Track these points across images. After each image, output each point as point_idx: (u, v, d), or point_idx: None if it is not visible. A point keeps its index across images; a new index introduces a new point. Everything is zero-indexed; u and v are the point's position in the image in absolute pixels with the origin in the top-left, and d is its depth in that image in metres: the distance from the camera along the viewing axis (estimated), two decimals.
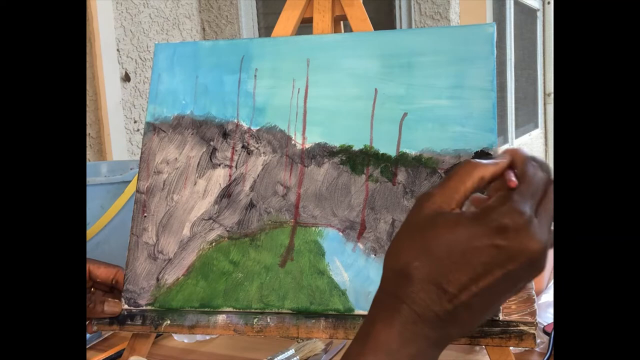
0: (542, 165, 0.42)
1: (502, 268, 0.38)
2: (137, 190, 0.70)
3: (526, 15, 4.27)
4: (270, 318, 0.62)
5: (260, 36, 2.82)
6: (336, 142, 0.66)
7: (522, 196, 0.39)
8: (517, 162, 0.42)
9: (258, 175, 0.68)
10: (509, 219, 0.38)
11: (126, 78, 2.28)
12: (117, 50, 2.24)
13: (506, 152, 0.43)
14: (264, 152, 0.68)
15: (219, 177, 0.69)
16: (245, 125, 0.70)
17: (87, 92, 2.11)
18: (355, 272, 0.62)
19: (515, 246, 0.38)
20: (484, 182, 0.41)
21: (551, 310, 0.80)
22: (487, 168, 0.41)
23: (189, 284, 0.65)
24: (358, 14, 0.73)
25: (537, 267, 0.39)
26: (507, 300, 0.42)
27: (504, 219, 0.38)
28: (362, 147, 0.65)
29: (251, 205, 0.67)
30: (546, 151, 4.73)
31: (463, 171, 0.41)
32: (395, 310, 0.39)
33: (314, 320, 0.61)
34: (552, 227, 0.41)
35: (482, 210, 0.39)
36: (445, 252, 0.39)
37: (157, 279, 0.66)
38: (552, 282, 0.93)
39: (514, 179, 0.40)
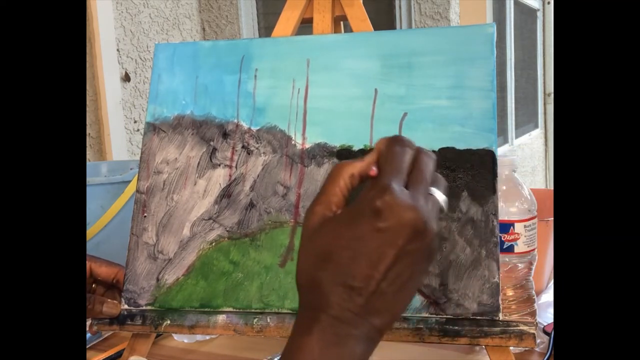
0: (401, 141, 0.43)
1: (392, 247, 0.39)
2: (137, 190, 0.70)
3: (526, 15, 4.27)
4: (270, 318, 0.62)
5: (260, 36, 2.82)
6: (336, 142, 0.66)
7: (386, 175, 0.40)
8: (380, 148, 0.43)
9: (258, 175, 0.68)
10: (378, 200, 0.39)
11: (126, 78, 2.28)
12: (117, 50, 2.24)
13: (375, 145, 0.44)
14: (264, 152, 0.68)
15: (219, 177, 0.69)
16: (245, 125, 0.70)
17: (87, 92, 2.11)
18: None
19: (393, 222, 0.39)
20: (355, 179, 0.43)
21: (551, 310, 0.80)
22: (354, 165, 0.43)
23: (189, 283, 0.65)
24: (358, 14, 0.73)
25: (425, 236, 0.39)
26: (422, 279, 0.43)
27: (375, 202, 0.39)
28: (362, 147, 0.65)
29: (251, 205, 0.67)
30: (546, 151, 4.73)
31: (333, 174, 0.43)
32: (313, 319, 0.40)
33: None
34: (435, 195, 0.42)
35: (355, 202, 0.41)
36: (339, 252, 0.40)
37: (157, 279, 0.66)
38: (552, 282, 0.93)
39: (374, 168, 0.42)
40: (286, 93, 0.69)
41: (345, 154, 0.66)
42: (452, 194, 0.61)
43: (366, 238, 0.39)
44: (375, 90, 0.67)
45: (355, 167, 0.43)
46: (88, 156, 2.11)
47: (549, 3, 4.52)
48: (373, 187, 0.40)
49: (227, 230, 0.66)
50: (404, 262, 0.39)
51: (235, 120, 0.70)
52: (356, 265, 0.39)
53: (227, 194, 0.68)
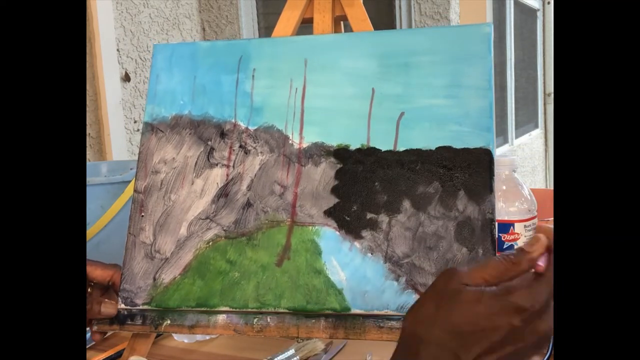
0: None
1: (513, 345, 0.42)
2: (135, 190, 0.70)
3: (526, 15, 4.27)
4: (270, 318, 0.62)
5: (260, 36, 2.82)
6: (333, 142, 0.66)
7: (543, 283, 0.43)
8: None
9: (255, 175, 0.68)
10: (527, 301, 0.42)
11: (126, 78, 2.29)
12: (117, 50, 2.24)
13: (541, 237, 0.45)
14: (261, 152, 0.68)
15: (217, 176, 0.69)
16: (242, 125, 0.70)
17: (87, 92, 2.11)
18: (351, 271, 0.62)
19: (528, 327, 0.42)
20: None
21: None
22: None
23: (185, 283, 0.65)
24: (358, 14, 0.73)
25: (541, 349, 0.43)
26: None
27: (523, 301, 0.42)
28: (359, 146, 0.65)
29: (248, 204, 0.67)
30: (546, 151, 4.72)
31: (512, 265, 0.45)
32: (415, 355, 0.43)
33: (314, 320, 0.61)
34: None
35: (504, 288, 0.43)
36: (465, 324, 0.42)
37: (154, 279, 0.66)
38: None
39: (541, 264, 0.44)
40: (284, 93, 0.69)
41: (343, 153, 0.66)
42: (449, 193, 0.62)
43: (497, 326, 0.42)
44: (373, 89, 0.67)
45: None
46: (88, 156, 2.11)
47: (549, 3, 4.51)
48: (527, 285, 0.43)
49: (224, 230, 0.66)
50: (513, 358, 0.42)
51: (233, 120, 0.70)
52: (474, 343, 0.42)
53: (224, 194, 0.68)
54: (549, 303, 0.42)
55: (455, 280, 0.44)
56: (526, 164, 4.11)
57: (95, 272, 0.67)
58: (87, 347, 0.83)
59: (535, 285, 0.43)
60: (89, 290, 0.68)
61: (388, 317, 0.59)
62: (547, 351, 0.44)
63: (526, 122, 4.28)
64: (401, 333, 0.46)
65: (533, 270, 0.44)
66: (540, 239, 0.45)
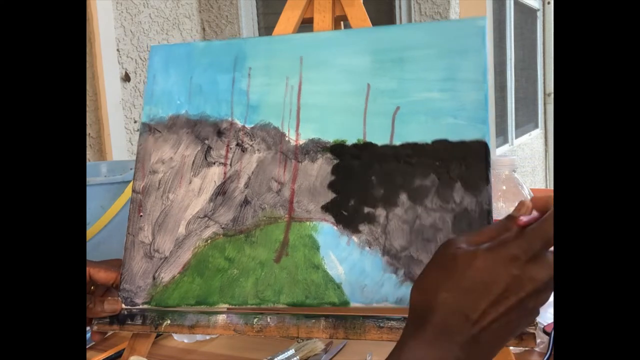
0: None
1: (515, 295, 0.44)
2: (133, 190, 0.71)
3: (526, 15, 4.27)
4: (270, 318, 0.62)
5: (260, 36, 2.82)
6: (330, 138, 0.67)
7: (535, 233, 0.45)
8: (543, 206, 0.47)
9: (252, 172, 0.68)
10: (520, 250, 0.44)
11: (126, 78, 2.29)
12: (117, 50, 2.24)
13: (539, 201, 0.48)
14: (258, 149, 0.69)
15: (214, 175, 0.69)
16: (239, 123, 0.70)
17: (87, 92, 2.11)
18: (350, 265, 0.62)
19: (525, 275, 0.44)
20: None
21: (551, 310, 0.80)
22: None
23: (185, 281, 0.65)
24: (358, 14, 0.73)
25: (542, 297, 0.45)
26: (519, 331, 0.47)
27: (517, 250, 0.44)
28: (355, 141, 0.66)
29: (246, 202, 0.67)
30: (546, 151, 4.72)
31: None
32: (426, 330, 0.45)
33: (314, 320, 0.61)
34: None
35: (498, 242, 0.46)
36: (468, 283, 0.45)
37: (154, 278, 0.66)
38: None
39: (524, 219, 0.47)
40: (280, 90, 0.70)
41: (339, 148, 0.66)
42: (446, 185, 0.62)
43: (497, 278, 0.44)
44: (368, 85, 0.67)
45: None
46: (88, 156, 2.11)
47: (549, 3, 4.51)
48: (519, 236, 0.46)
49: (222, 228, 0.67)
50: (517, 311, 0.44)
51: (230, 119, 0.70)
52: (479, 299, 0.44)
53: (222, 192, 0.68)
54: (540, 254, 0.44)
55: (452, 246, 0.47)
56: (526, 164, 4.11)
57: (98, 274, 0.67)
58: (87, 347, 0.83)
59: (523, 235, 0.45)
60: (92, 288, 0.68)
61: (388, 318, 0.59)
62: (547, 297, 0.46)
63: (526, 122, 4.28)
64: (410, 307, 0.47)
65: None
66: (525, 203, 0.48)
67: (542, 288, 0.44)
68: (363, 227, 0.63)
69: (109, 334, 0.86)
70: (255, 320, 0.63)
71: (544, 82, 4.65)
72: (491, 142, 0.65)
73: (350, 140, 0.66)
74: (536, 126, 4.57)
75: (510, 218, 0.48)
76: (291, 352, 0.75)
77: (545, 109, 4.69)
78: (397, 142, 0.64)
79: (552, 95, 4.39)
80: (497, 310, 0.44)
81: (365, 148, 0.65)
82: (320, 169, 0.66)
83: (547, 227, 0.45)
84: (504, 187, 0.79)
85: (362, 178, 0.64)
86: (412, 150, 0.64)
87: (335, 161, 0.66)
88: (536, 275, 0.44)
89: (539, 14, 4.56)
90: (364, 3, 0.74)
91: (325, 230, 0.64)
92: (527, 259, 0.44)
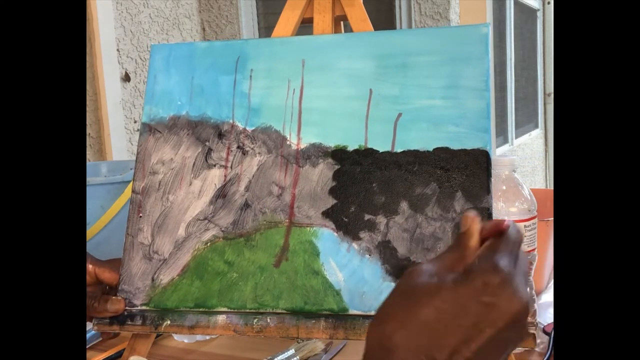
0: (515, 226, 0.43)
1: (492, 327, 0.38)
2: (133, 191, 0.70)
3: (526, 15, 4.27)
4: (270, 318, 0.62)
5: (260, 36, 2.82)
6: (331, 143, 0.66)
7: (502, 254, 0.40)
8: (491, 227, 0.43)
9: (253, 176, 0.68)
10: (492, 275, 0.39)
11: (126, 78, 2.29)
12: (117, 50, 2.24)
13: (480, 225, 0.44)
14: (259, 153, 0.68)
15: (214, 177, 0.69)
16: (240, 125, 0.70)
17: (87, 92, 2.11)
18: (349, 272, 0.62)
19: (501, 302, 0.38)
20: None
21: (551, 310, 0.80)
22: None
23: (183, 284, 0.65)
24: (358, 14, 0.73)
25: (521, 327, 0.39)
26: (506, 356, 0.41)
27: (488, 276, 0.39)
28: (356, 147, 0.65)
29: (246, 205, 0.67)
30: (546, 151, 4.72)
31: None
32: None
33: (314, 321, 0.61)
34: (529, 289, 0.41)
35: (464, 270, 0.40)
36: (433, 317, 0.38)
37: (152, 279, 0.66)
38: (552, 282, 0.93)
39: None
40: (281, 93, 0.69)
41: (340, 154, 0.66)
42: (447, 194, 0.62)
43: (468, 309, 0.38)
44: (370, 90, 0.67)
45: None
46: (88, 156, 2.11)
47: (549, 3, 4.51)
48: (487, 260, 0.40)
49: (222, 231, 0.66)
50: (495, 347, 0.38)
51: (231, 121, 0.70)
52: (448, 335, 0.38)
53: (222, 194, 0.68)
54: (513, 275, 0.39)
55: (414, 277, 0.41)
56: (526, 164, 4.11)
57: (103, 274, 0.67)
58: (87, 347, 0.83)
59: (493, 258, 0.40)
60: (107, 288, 0.68)
61: None
62: (525, 326, 0.40)
63: (526, 122, 4.28)
64: (365, 346, 0.40)
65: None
66: (467, 217, 0.44)
67: (520, 315, 0.39)
68: (363, 234, 0.62)
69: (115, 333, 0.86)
70: (255, 320, 0.62)
71: (544, 82, 4.65)
72: (491, 142, 0.65)
73: (352, 146, 0.66)
74: (536, 126, 4.57)
75: (461, 236, 0.43)
76: (291, 352, 0.75)
77: (545, 109, 4.69)
78: (398, 148, 0.64)
79: (552, 95, 4.39)
80: (470, 348, 0.37)
81: (366, 154, 0.65)
82: (321, 174, 0.66)
83: (512, 244, 0.41)
84: (504, 187, 0.79)
85: (363, 185, 0.64)
86: (414, 157, 0.63)
87: (337, 167, 0.65)
88: (513, 304, 0.38)
89: (539, 14, 4.56)
90: (364, 3, 0.74)
91: (326, 237, 0.63)
92: (499, 283, 0.39)
